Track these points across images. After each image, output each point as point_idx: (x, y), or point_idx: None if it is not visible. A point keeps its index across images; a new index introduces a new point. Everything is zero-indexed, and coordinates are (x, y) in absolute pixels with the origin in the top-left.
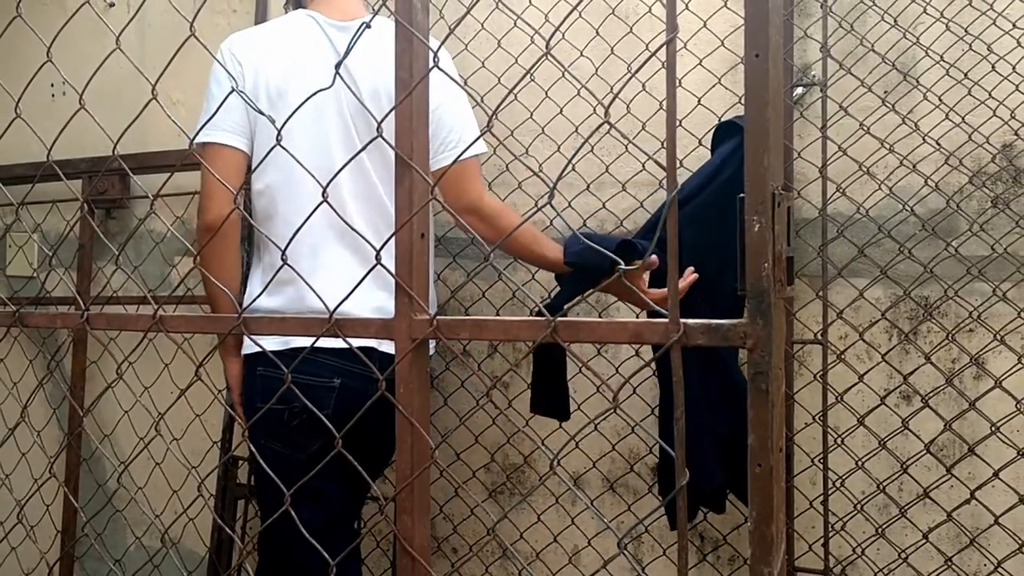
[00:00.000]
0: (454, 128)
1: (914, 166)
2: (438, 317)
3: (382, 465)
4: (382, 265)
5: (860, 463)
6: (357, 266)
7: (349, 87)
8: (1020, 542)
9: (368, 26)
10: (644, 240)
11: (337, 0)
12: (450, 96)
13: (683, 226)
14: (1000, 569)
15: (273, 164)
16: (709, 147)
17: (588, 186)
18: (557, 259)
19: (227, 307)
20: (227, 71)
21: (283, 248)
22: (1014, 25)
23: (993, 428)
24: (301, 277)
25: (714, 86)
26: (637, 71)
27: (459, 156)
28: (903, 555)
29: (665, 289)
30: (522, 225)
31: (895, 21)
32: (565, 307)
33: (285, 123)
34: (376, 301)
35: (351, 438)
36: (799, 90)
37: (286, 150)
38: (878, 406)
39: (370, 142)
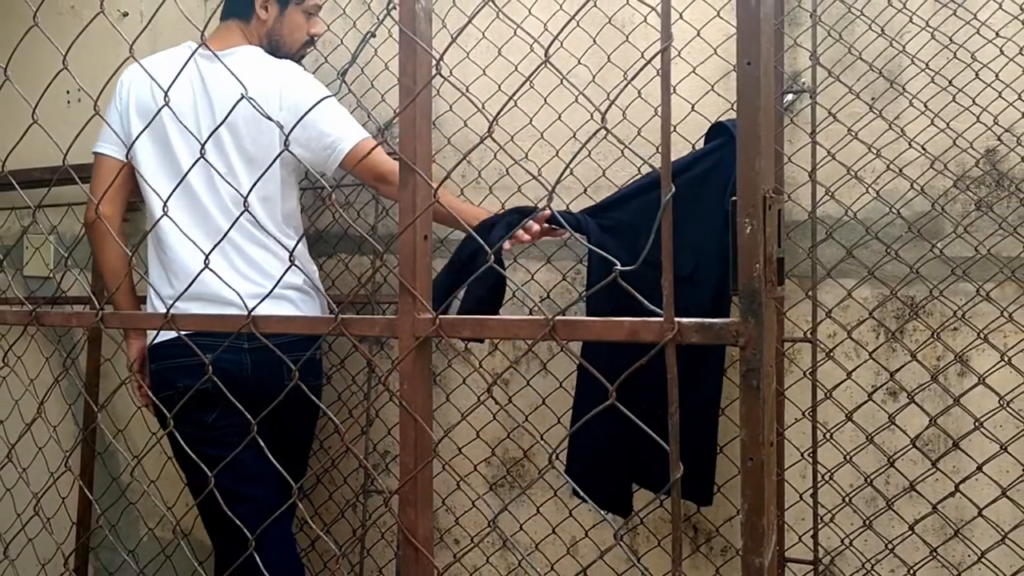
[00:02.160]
0: (330, 132)
1: (900, 170)
2: (441, 316)
3: (287, 429)
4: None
5: (848, 457)
6: (216, 254)
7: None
8: (1003, 533)
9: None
10: (585, 215)
11: (220, 34)
12: (320, 107)
13: (644, 213)
14: (983, 559)
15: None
16: None
17: (585, 189)
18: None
19: (110, 286)
20: (116, 93)
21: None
22: (997, 34)
23: (977, 423)
24: (214, 272)
25: (707, 93)
26: (633, 78)
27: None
28: (890, 546)
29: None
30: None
31: (882, 30)
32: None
33: (137, 137)
34: (241, 287)
35: (233, 406)
36: (789, 97)
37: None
38: (866, 402)
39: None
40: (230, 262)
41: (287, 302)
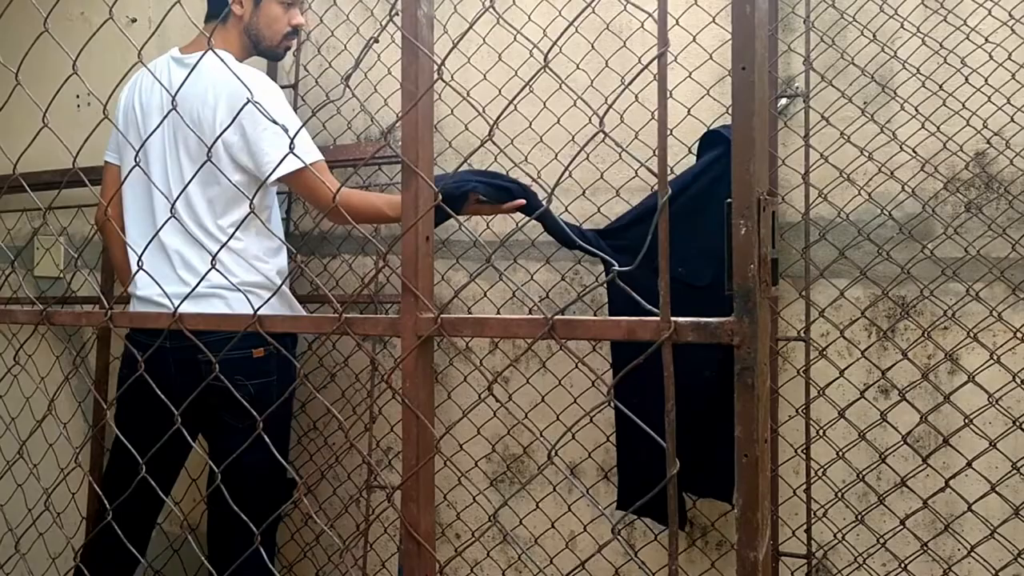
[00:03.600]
0: (269, 152)
1: (892, 173)
2: (442, 316)
3: (220, 427)
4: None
5: (841, 453)
6: (160, 254)
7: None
8: (992, 528)
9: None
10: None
11: (199, 38)
12: (259, 128)
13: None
14: (973, 554)
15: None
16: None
17: (584, 191)
18: (399, 212)
19: (121, 282)
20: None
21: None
22: (986, 39)
23: (967, 420)
24: (147, 272)
25: (703, 97)
26: (630, 83)
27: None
28: (881, 540)
29: (516, 202)
30: (361, 198)
31: (874, 36)
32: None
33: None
34: (169, 287)
35: (146, 397)
36: (783, 101)
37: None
38: (858, 399)
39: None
40: (169, 263)
41: (218, 299)
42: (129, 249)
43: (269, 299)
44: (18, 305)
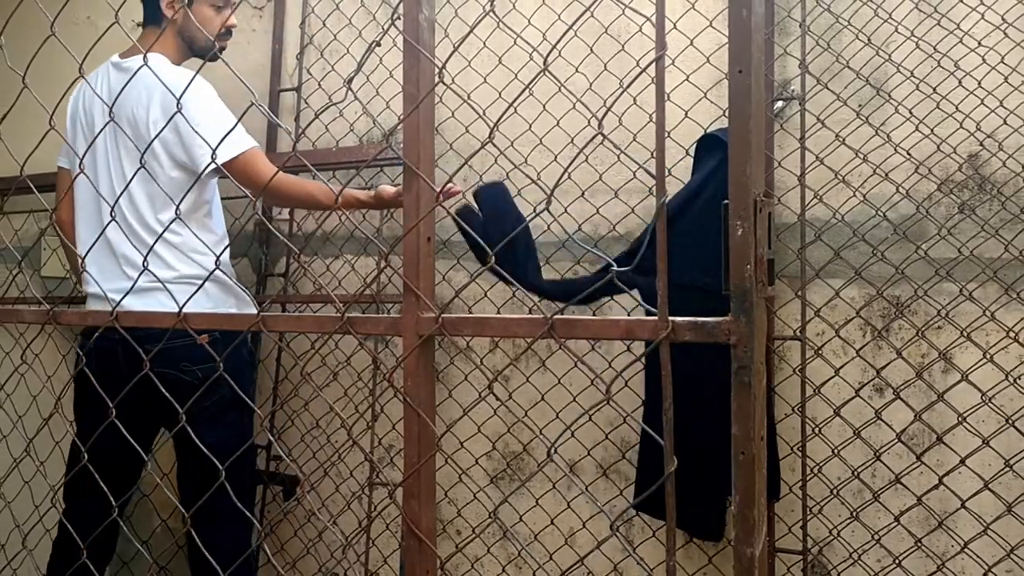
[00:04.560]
0: (202, 145)
1: (886, 174)
2: (443, 315)
3: (161, 417)
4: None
5: (836, 451)
6: (106, 251)
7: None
8: (985, 525)
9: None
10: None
11: (138, 42)
12: (200, 120)
13: (671, 242)
14: (967, 550)
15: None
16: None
17: (583, 193)
18: (329, 199)
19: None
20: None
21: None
22: (979, 43)
23: (960, 418)
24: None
25: (700, 100)
26: (628, 86)
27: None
28: (876, 536)
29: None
30: (295, 183)
31: (868, 40)
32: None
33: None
34: (116, 283)
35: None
36: (779, 104)
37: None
38: (853, 398)
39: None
40: (116, 260)
41: (161, 293)
42: (79, 248)
43: (195, 293)
44: (25, 304)
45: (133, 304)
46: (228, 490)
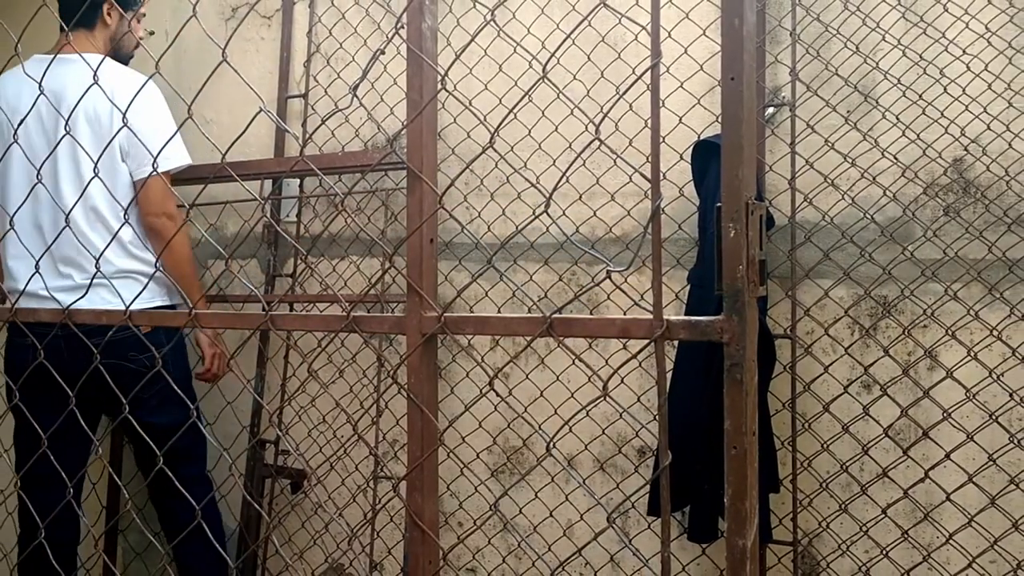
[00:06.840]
0: (147, 155)
1: (874, 178)
2: (446, 314)
3: (92, 402)
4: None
5: (825, 445)
6: (39, 249)
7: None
8: (969, 517)
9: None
10: None
11: (63, 40)
12: (151, 126)
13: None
14: (951, 541)
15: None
16: (689, 162)
17: (580, 196)
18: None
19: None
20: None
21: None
22: (964, 51)
23: (945, 414)
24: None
25: (694, 106)
26: (624, 93)
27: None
28: (864, 528)
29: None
30: (186, 247)
31: (857, 48)
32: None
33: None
34: (51, 281)
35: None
36: (770, 110)
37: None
38: (842, 394)
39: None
40: (48, 258)
41: (103, 288)
42: (5, 244)
43: (142, 291)
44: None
45: (67, 299)
46: (191, 464)
